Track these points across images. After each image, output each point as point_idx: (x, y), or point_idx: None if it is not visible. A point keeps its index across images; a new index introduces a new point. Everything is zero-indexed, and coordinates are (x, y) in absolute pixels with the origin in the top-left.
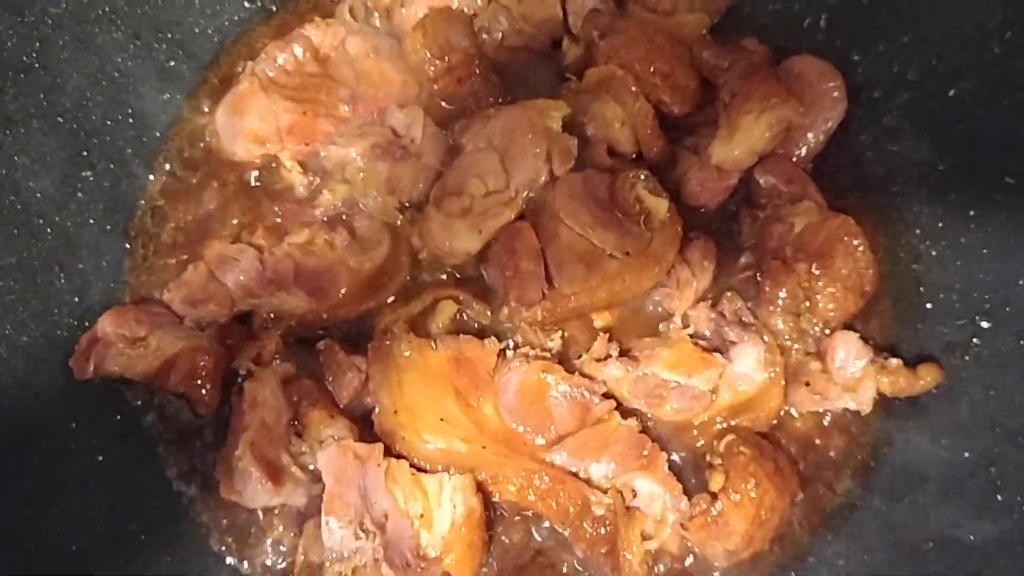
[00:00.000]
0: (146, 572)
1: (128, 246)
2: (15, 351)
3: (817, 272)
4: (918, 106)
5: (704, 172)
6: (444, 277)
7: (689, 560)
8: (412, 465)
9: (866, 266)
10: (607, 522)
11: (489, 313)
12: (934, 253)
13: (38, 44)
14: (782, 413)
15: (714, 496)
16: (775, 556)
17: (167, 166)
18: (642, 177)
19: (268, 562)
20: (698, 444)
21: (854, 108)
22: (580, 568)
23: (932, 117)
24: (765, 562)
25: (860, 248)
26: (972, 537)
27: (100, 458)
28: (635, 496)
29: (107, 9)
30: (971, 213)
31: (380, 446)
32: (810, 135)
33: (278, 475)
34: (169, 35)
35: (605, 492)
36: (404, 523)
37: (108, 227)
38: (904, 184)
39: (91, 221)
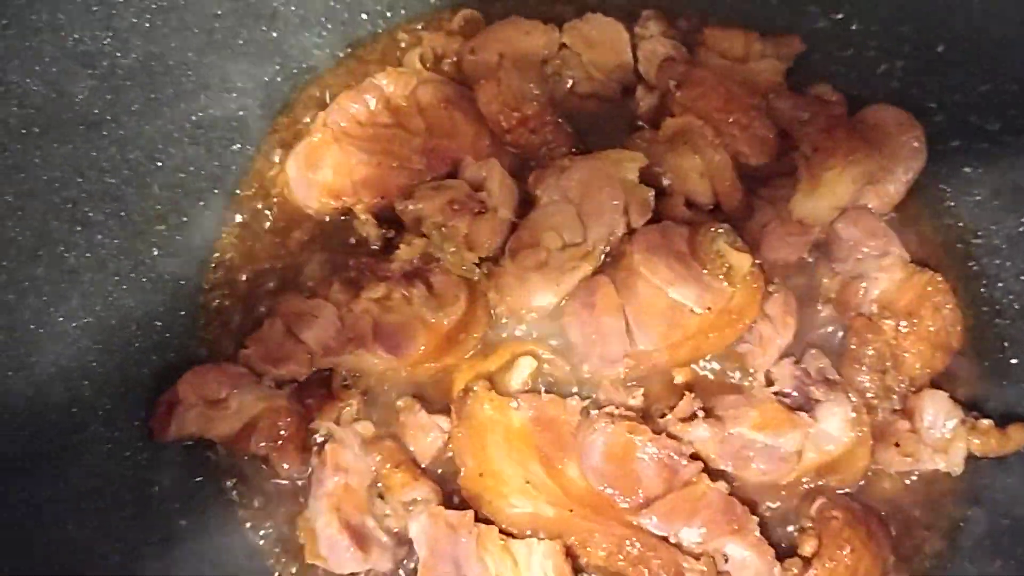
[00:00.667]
0: None
1: (202, 300)
2: (94, 413)
3: (905, 330)
4: (998, 157)
5: (786, 226)
6: (521, 333)
7: None
8: (500, 530)
9: (954, 323)
10: None
11: (569, 369)
12: (1017, 307)
13: (108, 97)
14: (869, 473)
15: (807, 561)
16: None
17: (239, 218)
18: (723, 231)
19: None
20: (784, 503)
21: (932, 158)
22: None
23: (1012, 168)
24: None
25: (948, 305)
26: None
27: (183, 523)
28: (726, 561)
29: (177, 60)
30: None
31: (471, 513)
32: (891, 187)
33: (364, 542)
34: (238, 84)
35: (697, 558)
36: None
37: (182, 282)
38: (985, 236)
39: (165, 277)
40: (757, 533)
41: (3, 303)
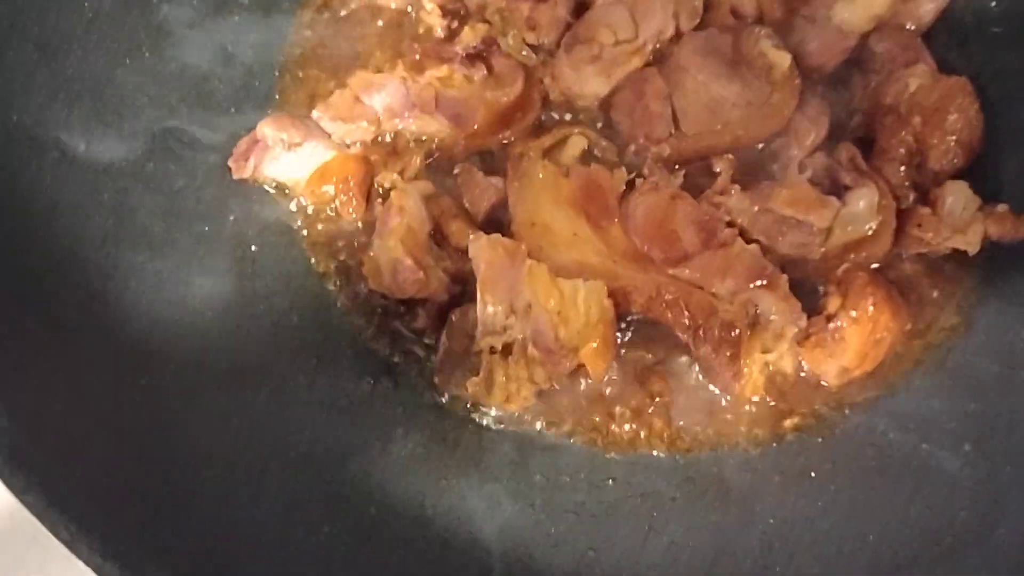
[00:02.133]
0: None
1: (277, 73)
2: (180, 143)
3: (931, 126)
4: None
5: (825, 33)
6: (572, 119)
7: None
8: (549, 271)
9: (977, 123)
10: (735, 326)
11: (616, 150)
12: None
13: None
14: (890, 254)
15: (830, 317)
16: (880, 378)
17: (312, 3)
18: (765, 33)
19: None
20: (812, 278)
21: None
22: (698, 378)
23: None
24: (873, 384)
25: (973, 106)
26: None
27: (254, 247)
28: (757, 311)
29: None
30: None
31: (524, 244)
32: (922, 10)
33: (427, 270)
34: None
35: (730, 304)
36: (544, 317)
37: (261, 51)
38: (1005, 63)
39: (245, 44)
40: (786, 287)
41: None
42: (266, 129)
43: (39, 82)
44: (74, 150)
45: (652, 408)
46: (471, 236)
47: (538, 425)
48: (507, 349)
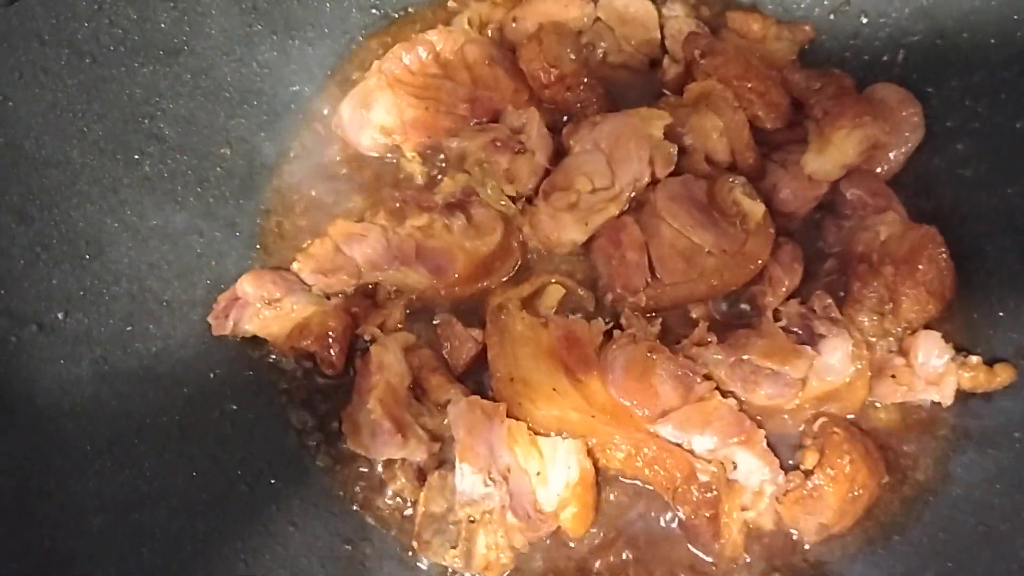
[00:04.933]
0: (279, 510)
1: (259, 221)
2: (160, 304)
3: (903, 275)
4: (988, 136)
5: (796, 181)
6: (551, 267)
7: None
8: (529, 428)
9: (947, 273)
10: (712, 487)
11: (593, 299)
12: (1004, 269)
13: (188, 29)
14: (866, 404)
15: (808, 473)
16: (861, 534)
17: (294, 153)
18: (739, 182)
19: (390, 509)
20: (788, 429)
21: (928, 136)
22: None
23: (1001, 146)
24: (852, 540)
25: (943, 255)
26: None
27: (234, 407)
28: (735, 468)
29: (250, 4)
30: None
31: (503, 405)
32: (891, 155)
33: (404, 430)
34: (303, 32)
35: (708, 463)
36: (523, 479)
37: (242, 201)
38: (972, 206)
39: (227, 195)
40: (764, 444)
41: (84, 193)
42: (246, 286)
43: (18, 248)
44: (52, 322)
45: (632, 570)
46: (450, 397)
47: None
48: (486, 516)
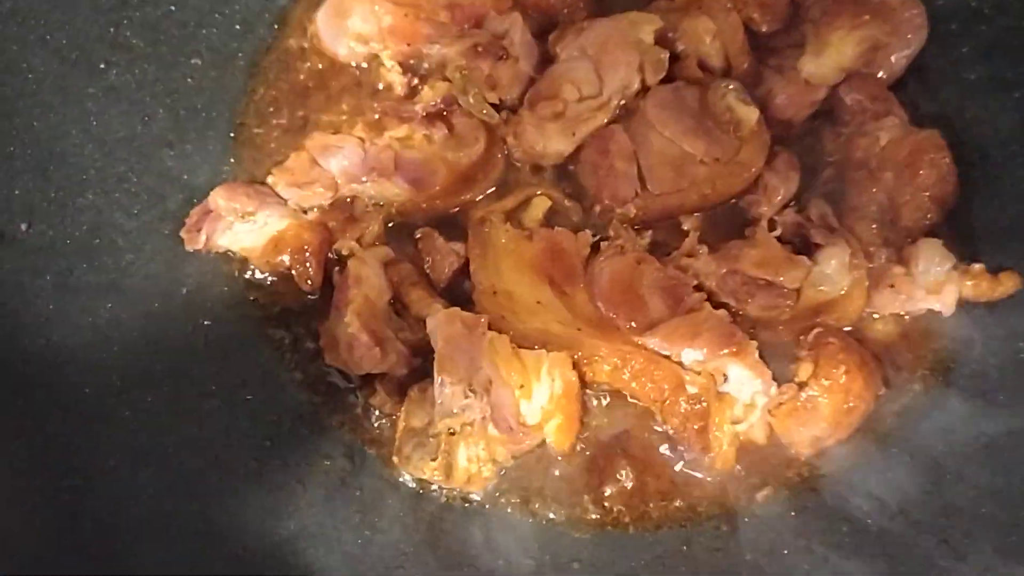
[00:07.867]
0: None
1: (232, 135)
2: (128, 217)
3: (903, 181)
4: (993, 38)
5: (792, 86)
6: (537, 178)
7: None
8: (512, 341)
9: (950, 178)
10: (701, 399)
11: (580, 211)
12: (1009, 175)
13: None
14: (863, 316)
15: (802, 385)
16: (857, 447)
17: (268, 63)
18: (733, 87)
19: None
20: (782, 340)
21: (932, 37)
22: (667, 452)
23: (1007, 49)
24: (847, 452)
25: (945, 160)
26: None
27: (207, 322)
28: (726, 381)
29: None
30: None
31: (485, 317)
32: (892, 58)
33: (383, 344)
34: None
35: (698, 374)
36: (506, 391)
37: (214, 114)
38: (979, 110)
39: (198, 107)
40: (756, 356)
41: (46, 104)
42: (219, 199)
43: None
44: (14, 232)
45: (619, 485)
46: (429, 309)
47: (500, 504)
48: (466, 429)
